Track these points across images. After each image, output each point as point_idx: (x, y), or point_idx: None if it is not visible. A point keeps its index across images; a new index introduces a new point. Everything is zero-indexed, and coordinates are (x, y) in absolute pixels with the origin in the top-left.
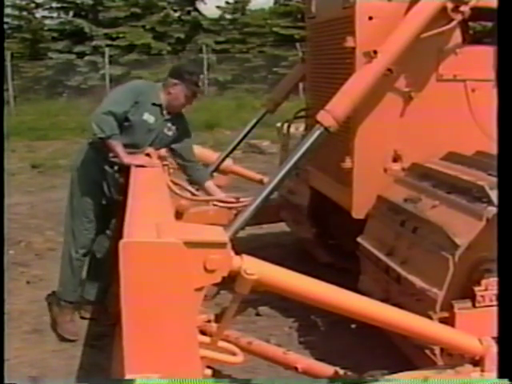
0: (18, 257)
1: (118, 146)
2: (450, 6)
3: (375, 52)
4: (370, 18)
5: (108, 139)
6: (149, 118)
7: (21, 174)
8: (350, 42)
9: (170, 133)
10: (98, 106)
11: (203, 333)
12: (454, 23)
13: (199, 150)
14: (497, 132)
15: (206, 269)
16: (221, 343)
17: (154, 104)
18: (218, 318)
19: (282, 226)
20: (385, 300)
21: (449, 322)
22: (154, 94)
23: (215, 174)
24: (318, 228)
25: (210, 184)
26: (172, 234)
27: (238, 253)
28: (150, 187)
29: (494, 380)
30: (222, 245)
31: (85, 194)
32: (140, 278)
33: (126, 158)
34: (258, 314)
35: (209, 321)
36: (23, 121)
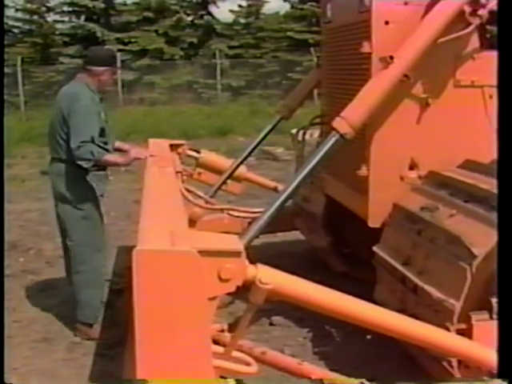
0: (29, 264)
1: (109, 157)
2: (467, 9)
3: (391, 57)
4: (387, 23)
5: (98, 161)
6: (102, 114)
7: (31, 180)
8: (366, 48)
9: (106, 117)
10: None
11: (216, 343)
12: (471, 27)
13: (212, 157)
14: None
15: (220, 278)
16: (234, 353)
17: (98, 103)
18: (232, 328)
19: (296, 235)
20: (401, 311)
21: (466, 333)
22: (94, 95)
23: (229, 181)
24: (333, 236)
25: (121, 144)
26: (186, 243)
27: (252, 262)
28: (163, 194)
29: (495, 380)
30: (236, 254)
31: (96, 214)
32: (153, 287)
33: (121, 160)
34: (271, 324)
35: (222, 330)
36: (33, 126)
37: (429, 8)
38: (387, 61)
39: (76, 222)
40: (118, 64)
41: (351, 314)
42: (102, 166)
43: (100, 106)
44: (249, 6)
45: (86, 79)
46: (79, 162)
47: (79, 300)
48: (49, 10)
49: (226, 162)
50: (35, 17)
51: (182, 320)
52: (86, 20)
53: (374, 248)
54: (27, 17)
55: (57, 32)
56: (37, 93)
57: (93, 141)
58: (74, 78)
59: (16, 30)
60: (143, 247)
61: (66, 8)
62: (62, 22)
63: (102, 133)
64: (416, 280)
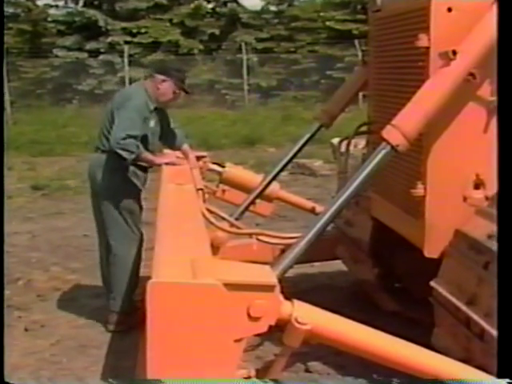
0: (16, 298)
1: (147, 155)
2: None
3: (454, 52)
4: (449, 10)
5: (138, 156)
6: (152, 123)
7: (20, 196)
8: (423, 41)
9: (158, 128)
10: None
11: None
12: None
13: (238, 172)
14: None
15: (249, 316)
16: None
17: (151, 111)
18: (261, 374)
19: (337, 265)
20: (465, 360)
21: None
22: (149, 101)
23: (258, 200)
24: (382, 268)
25: (186, 147)
26: (210, 274)
27: (286, 297)
28: (181, 216)
29: (494, 380)
30: (269, 287)
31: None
32: (170, 326)
33: (158, 160)
34: (308, 371)
35: (249, 377)
36: (23, 132)
37: None
38: (449, 56)
39: (116, 215)
40: (185, 87)
41: (404, 362)
42: (142, 167)
43: (152, 114)
44: None
45: (148, 84)
46: (121, 152)
47: (114, 291)
48: None
49: (254, 178)
50: None
51: (204, 365)
52: (85, 5)
53: (432, 283)
54: None
55: (49, 19)
56: (26, 91)
57: (137, 138)
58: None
59: None
60: (159, 279)
61: None
62: (56, 6)
63: (144, 140)
64: (482, 323)
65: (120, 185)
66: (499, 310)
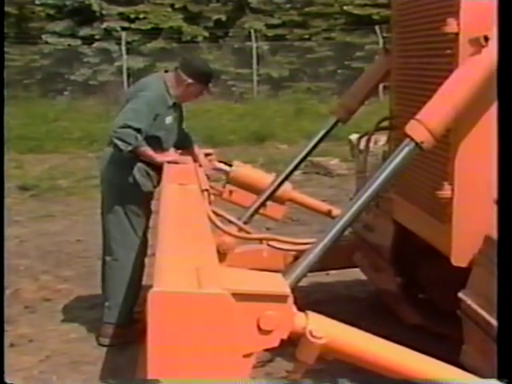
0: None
1: (147, 150)
2: None
3: (486, 38)
4: None
5: (136, 149)
6: (169, 119)
7: (6, 197)
8: (451, 26)
9: (176, 125)
10: (111, 108)
11: None
12: None
13: (247, 171)
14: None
15: (259, 329)
16: None
17: (169, 106)
18: None
19: (355, 273)
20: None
21: None
22: (167, 96)
23: (268, 202)
24: (405, 277)
25: (197, 151)
26: (216, 283)
27: (300, 308)
28: (185, 219)
29: (494, 380)
30: (281, 298)
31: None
32: (173, 339)
33: (159, 158)
34: None
35: None
36: (9, 126)
37: None
38: (480, 43)
39: (121, 216)
40: (210, 88)
41: (429, 380)
42: (155, 166)
43: (170, 110)
44: None
45: (168, 77)
46: (116, 142)
47: (110, 299)
48: None
49: (264, 178)
50: None
51: (209, 382)
52: None
53: (460, 294)
54: None
55: (37, 1)
56: (13, 81)
57: (139, 132)
58: (160, 71)
59: None
60: (161, 288)
61: None
62: None
63: (157, 138)
64: None
65: (127, 183)
66: (499, 308)
